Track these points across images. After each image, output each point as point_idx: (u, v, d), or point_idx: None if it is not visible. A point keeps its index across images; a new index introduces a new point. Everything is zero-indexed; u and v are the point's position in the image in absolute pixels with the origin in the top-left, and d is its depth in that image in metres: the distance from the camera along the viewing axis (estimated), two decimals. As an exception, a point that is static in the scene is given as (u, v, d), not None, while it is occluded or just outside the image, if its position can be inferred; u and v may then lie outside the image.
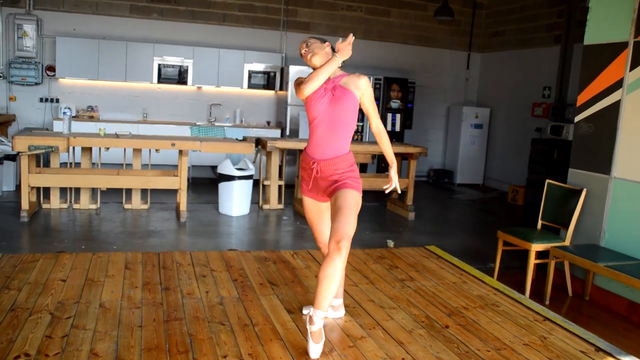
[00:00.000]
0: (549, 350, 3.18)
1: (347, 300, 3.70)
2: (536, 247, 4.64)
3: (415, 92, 9.81)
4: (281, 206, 7.26)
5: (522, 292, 4.53)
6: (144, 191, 6.79)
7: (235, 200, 6.65)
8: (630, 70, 4.51)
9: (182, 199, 6.24)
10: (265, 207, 7.18)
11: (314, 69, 3.03)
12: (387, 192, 3.27)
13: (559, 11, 8.89)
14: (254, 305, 3.49)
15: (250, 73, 8.96)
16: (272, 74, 9.08)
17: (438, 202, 8.72)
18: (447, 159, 10.86)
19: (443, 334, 3.27)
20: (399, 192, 3.17)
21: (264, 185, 7.22)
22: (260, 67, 9.01)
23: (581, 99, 4.97)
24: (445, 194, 9.50)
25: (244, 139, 6.97)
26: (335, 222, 2.84)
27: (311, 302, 3.65)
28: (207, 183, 8.52)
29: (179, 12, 8.81)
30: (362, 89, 3.03)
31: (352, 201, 2.91)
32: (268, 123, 9.37)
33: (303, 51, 3.09)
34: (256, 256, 4.56)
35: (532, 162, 8.68)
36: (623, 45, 4.58)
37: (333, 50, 3.06)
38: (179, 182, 6.20)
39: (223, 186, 6.68)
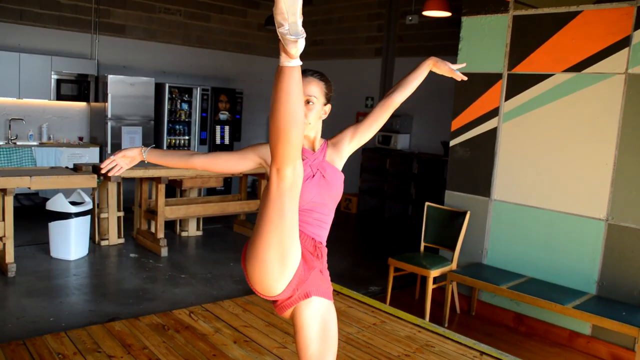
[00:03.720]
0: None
1: (292, 371, 3.27)
2: (434, 273, 4.68)
3: (243, 102, 9.40)
4: (122, 240, 6.32)
5: (418, 315, 4.53)
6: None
7: (73, 241, 5.57)
8: (506, 100, 4.78)
9: (9, 249, 5.00)
10: (104, 243, 6.17)
11: None
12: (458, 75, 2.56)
13: (378, 25, 9.24)
14: (196, 402, 2.87)
15: (59, 82, 7.63)
16: (84, 83, 7.86)
17: (277, 217, 8.46)
18: (271, 168, 10.68)
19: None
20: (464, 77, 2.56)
21: (99, 218, 6.19)
22: (70, 75, 7.73)
23: (456, 124, 5.14)
24: (279, 207, 9.28)
25: (77, 169, 5.87)
26: None
27: (252, 381, 3.15)
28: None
29: (-40, 7, 7.11)
30: (345, 147, 2.40)
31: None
32: (81, 139, 8.12)
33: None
34: (150, 324, 3.82)
35: (363, 170, 8.94)
36: (497, 76, 4.82)
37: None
38: (3, 229, 4.96)
39: (56, 226, 5.54)
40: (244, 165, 2.26)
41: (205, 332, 3.74)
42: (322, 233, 2.28)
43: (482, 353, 3.67)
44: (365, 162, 8.86)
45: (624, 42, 4.14)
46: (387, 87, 9.13)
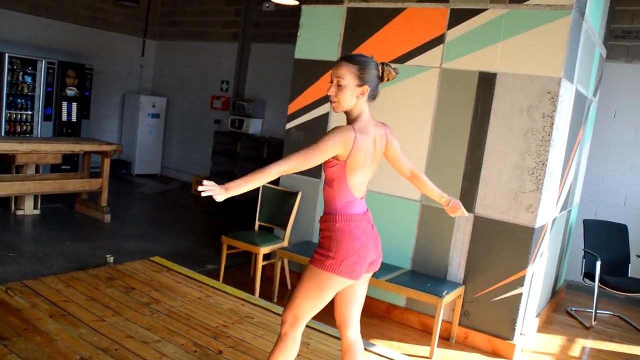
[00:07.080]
0: (317, 355, 3.44)
1: (105, 342, 3.28)
2: (264, 250, 4.86)
3: (93, 79, 8.99)
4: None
5: (251, 292, 4.70)
6: None
7: None
8: (338, 86, 5.07)
9: None
10: None
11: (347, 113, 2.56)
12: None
13: (236, 10, 9.28)
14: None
15: None
16: None
17: (126, 198, 8.26)
18: (124, 149, 10.32)
19: (226, 363, 3.20)
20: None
21: None
22: None
23: (292, 108, 5.36)
24: (129, 188, 9.07)
25: None
26: None
27: (62, 352, 3.12)
28: None
29: None
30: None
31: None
32: None
33: (330, 92, 2.54)
34: (-43, 300, 3.62)
35: (215, 154, 8.97)
36: (331, 64, 5.07)
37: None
38: None
39: None
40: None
41: (20, 307, 3.62)
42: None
43: (298, 321, 3.90)
44: (217, 145, 8.89)
45: (440, 39, 4.56)
46: (242, 72, 9.21)
